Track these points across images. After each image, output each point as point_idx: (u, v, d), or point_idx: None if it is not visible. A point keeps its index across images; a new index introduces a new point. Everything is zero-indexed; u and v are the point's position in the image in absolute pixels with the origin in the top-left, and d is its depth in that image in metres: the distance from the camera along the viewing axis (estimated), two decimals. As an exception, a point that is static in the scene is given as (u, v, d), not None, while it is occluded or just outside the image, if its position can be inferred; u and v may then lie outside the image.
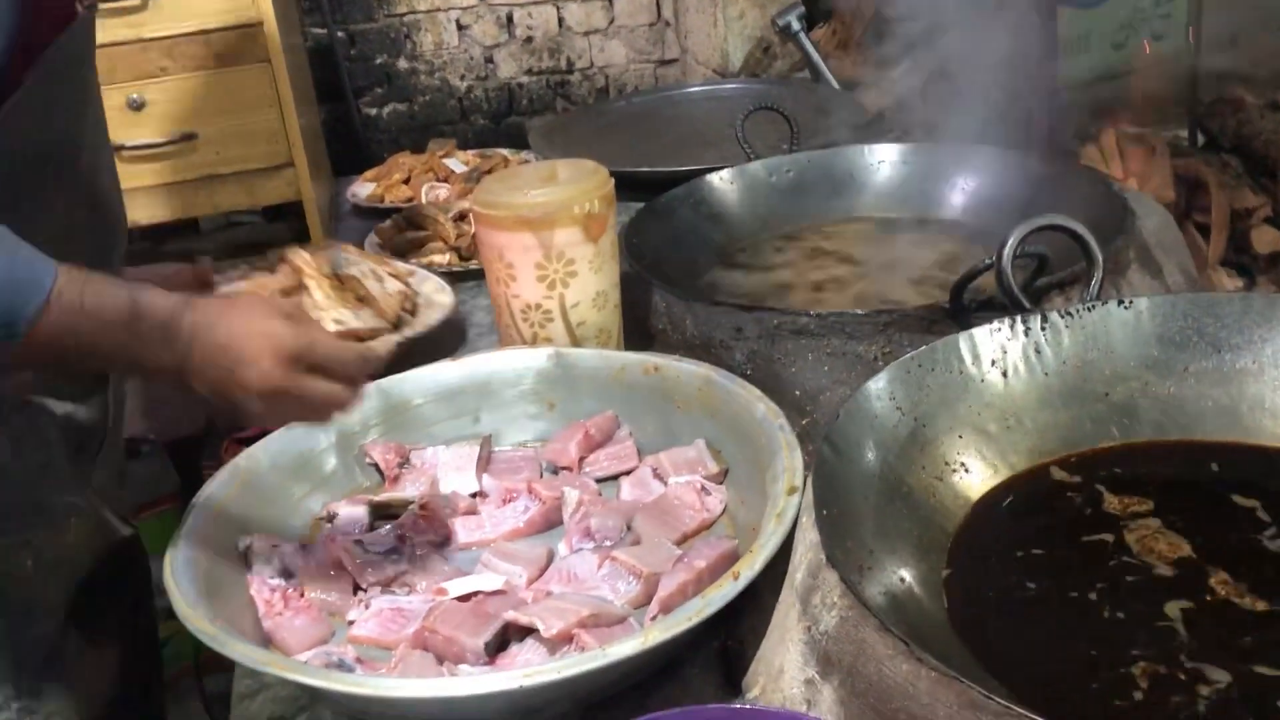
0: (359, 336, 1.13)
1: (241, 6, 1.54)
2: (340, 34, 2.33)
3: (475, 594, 0.81)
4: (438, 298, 1.29)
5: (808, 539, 0.73)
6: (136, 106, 1.57)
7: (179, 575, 0.79)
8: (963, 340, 0.90)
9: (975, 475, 0.86)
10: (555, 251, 1.01)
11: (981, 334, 0.91)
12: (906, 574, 0.75)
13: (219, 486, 0.90)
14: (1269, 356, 0.88)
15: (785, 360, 1.07)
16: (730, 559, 0.78)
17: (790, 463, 0.81)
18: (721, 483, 0.92)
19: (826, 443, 0.79)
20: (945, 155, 1.48)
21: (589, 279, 1.04)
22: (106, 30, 1.52)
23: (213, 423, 1.90)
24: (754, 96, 1.92)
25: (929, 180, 1.47)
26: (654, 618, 0.75)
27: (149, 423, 1.79)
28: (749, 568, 0.71)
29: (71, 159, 0.98)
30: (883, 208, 1.49)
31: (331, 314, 1.14)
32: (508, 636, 0.77)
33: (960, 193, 1.45)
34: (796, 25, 1.97)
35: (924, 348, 0.89)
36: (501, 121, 2.48)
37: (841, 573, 0.66)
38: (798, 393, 1.05)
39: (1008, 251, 0.93)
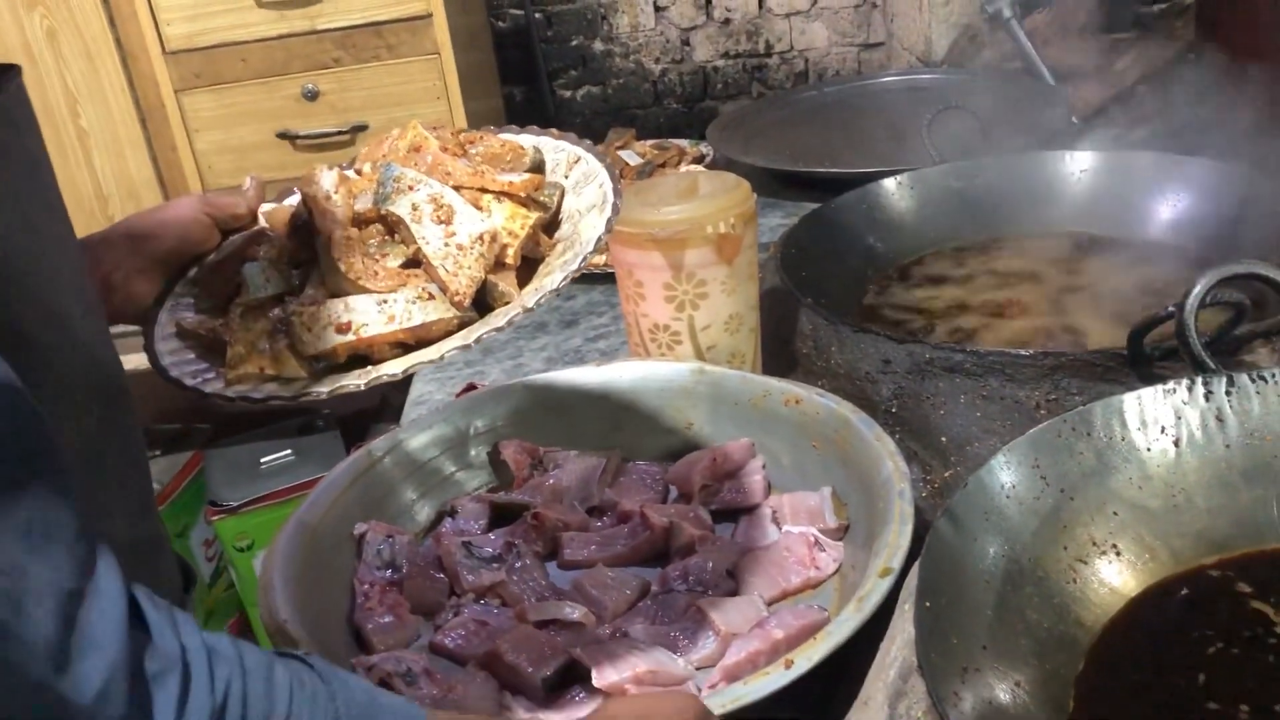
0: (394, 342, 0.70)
1: (410, -1, 1.55)
2: (538, 15, 2.33)
3: (553, 621, 0.78)
4: (586, 225, 0.75)
5: (907, 631, 0.65)
6: (310, 96, 1.62)
7: (277, 562, 0.80)
8: (1128, 401, 0.79)
9: (1128, 561, 0.75)
10: (685, 272, 0.95)
11: (1151, 395, 0.79)
12: (1023, 678, 0.65)
13: (349, 465, 0.92)
14: None
15: (934, 400, 0.97)
16: (813, 632, 0.71)
17: (895, 539, 0.72)
18: (840, 539, 0.84)
19: (946, 516, 0.70)
20: (1158, 166, 1.32)
21: (721, 301, 0.97)
22: (284, 21, 1.58)
23: (386, 399, 1.94)
24: (953, 90, 1.79)
25: (1137, 193, 1.32)
26: (712, 686, 0.69)
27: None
28: (806, 657, 0.64)
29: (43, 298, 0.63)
30: (1082, 222, 1.34)
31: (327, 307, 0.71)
32: (575, 672, 0.73)
33: (1171, 209, 1.29)
34: (1008, 12, 1.81)
35: (1078, 409, 0.78)
36: (695, 106, 2.42)
37: (931, 684, 0.57)
38: (944, 439, 0.95)
39: (1191, 302, 0.80)
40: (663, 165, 1.67)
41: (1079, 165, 1.36)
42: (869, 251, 1.32)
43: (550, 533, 0.90)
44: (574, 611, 0.78)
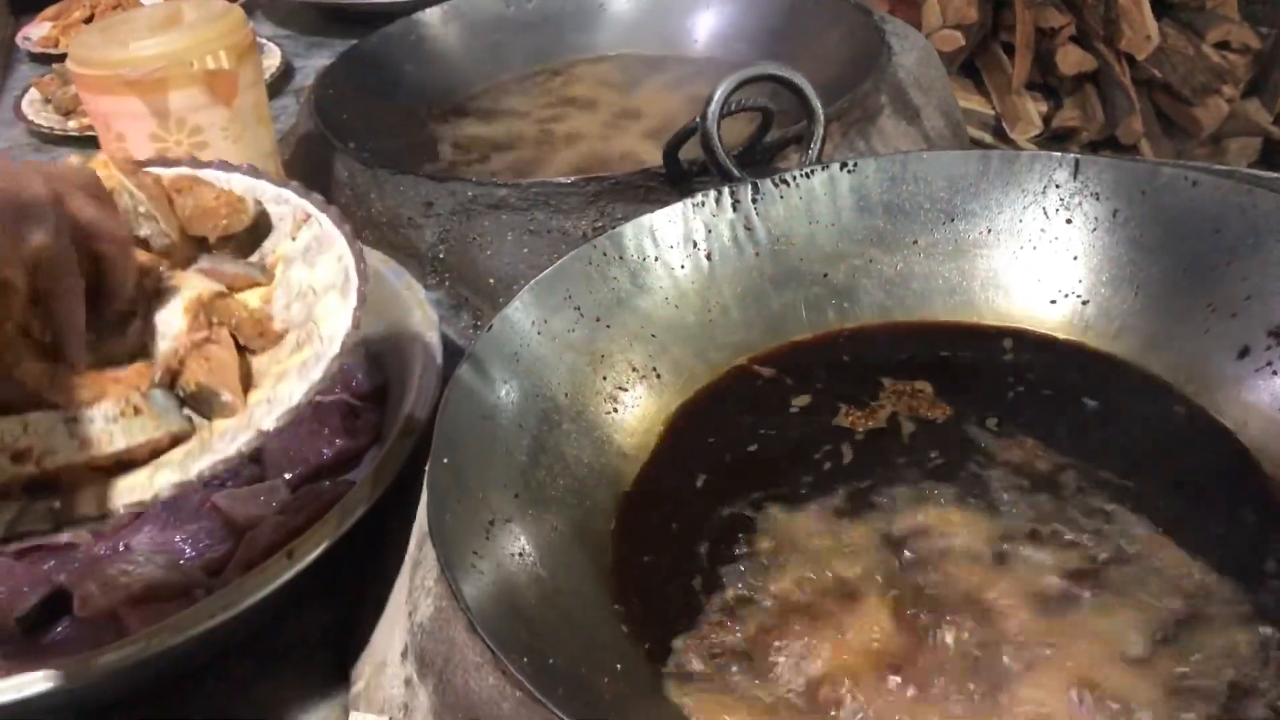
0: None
1: None
2: None
3: (35, 548, 0.65)
4: (325, 310, 0.59)
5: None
6: None
7: None
8: (658, 219, 0.76)
9: (669, 381, 0.73)
10: (174, 119, 0.81)
11: (681, 210, 0.76)
12: (561, 520, 0.62)
13: None
14: (1005, 223, 0.77)
15: (481, 240, 0.91)
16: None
17: (418, 395, 0.66)
18: (382, 402, 0.77)
19: (469, 362, 0.64)
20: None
21: (225, 150, 0.84)
22: None
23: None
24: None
25: (683, 8, 1.30)
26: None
27: None
28: (313, 543, 0.57)
29: None
30: (636, 43, 1.31)
31: None
32: (62, 604, 0.62)
33: (712, 24, 1.29)
34: None
35: (608, 233, 0.74)
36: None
37: (442, 550, 0.52)
38: (492, 281, 0.89)
39: (711, 110, 0.78)
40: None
41: (634, -19, 1.32)
42: (420, 88, 1.22)
43: None
44: (63, 534, 0.66)
